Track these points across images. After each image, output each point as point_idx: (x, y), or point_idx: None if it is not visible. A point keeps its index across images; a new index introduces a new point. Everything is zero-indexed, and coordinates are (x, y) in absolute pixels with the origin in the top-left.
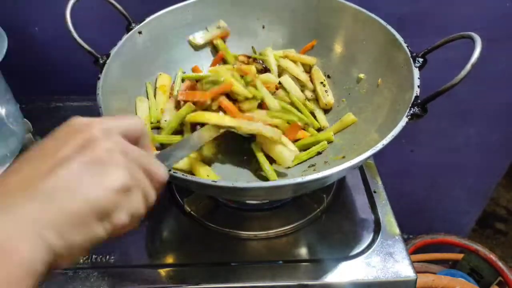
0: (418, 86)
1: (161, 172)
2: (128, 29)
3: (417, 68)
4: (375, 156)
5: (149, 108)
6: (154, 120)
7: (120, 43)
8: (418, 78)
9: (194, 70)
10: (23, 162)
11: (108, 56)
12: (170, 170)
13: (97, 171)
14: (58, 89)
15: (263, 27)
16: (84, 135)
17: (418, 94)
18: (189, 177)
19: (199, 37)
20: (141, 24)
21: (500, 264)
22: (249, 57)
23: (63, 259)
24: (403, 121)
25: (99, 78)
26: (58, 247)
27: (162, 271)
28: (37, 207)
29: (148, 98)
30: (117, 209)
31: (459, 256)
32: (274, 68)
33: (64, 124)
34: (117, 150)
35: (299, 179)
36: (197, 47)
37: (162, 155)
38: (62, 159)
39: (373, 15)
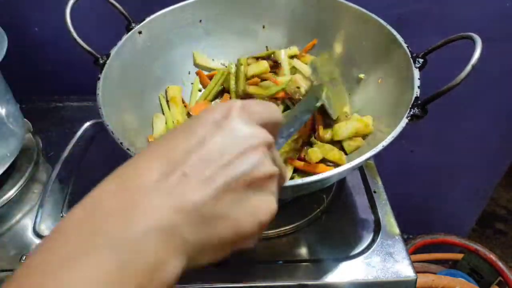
0: (418, 87)
1: (287, 177)
2: (128, 29)
3: (417, 69)
4: (375, 156)
5: (166, 122)
6: None
7: (120, 43)
8: (418, 78)
9: (199, 74)
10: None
11: (108, 56)
12: None
13: (254, 197)
14: (58, 89)
15: (263, 27)
16: (238, 148)
17: (418, 95)
18: None
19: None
20: (141, 24)
21: (500, 264)
22: (257, 58)
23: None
24: (403, 122)
25: (99, 78)
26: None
27: None
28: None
29: (163, 112)
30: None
31: (459, 256)
32: (286, 68)
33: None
34: (272, 168)
35: (299, 181)
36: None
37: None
38: (217, 169)
39: (373, 15)
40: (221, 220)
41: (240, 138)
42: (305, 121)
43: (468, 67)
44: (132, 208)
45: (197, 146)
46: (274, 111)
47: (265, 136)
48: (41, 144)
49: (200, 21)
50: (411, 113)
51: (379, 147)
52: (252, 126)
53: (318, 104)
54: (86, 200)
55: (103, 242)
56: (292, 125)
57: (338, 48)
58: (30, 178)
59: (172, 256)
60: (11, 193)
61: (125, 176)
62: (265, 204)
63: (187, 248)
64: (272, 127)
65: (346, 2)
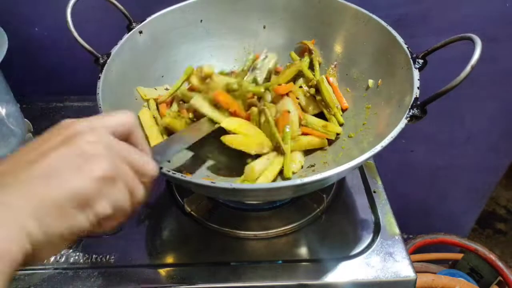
0: (418, 88)
1: (150, 167)
2: (129, 29)
3: (417, 70)
4: (375, 156)
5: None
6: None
7: (120, 42)
8: (418, 79)
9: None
10: (10, 157)
11: (108, 55)
12: (161, 168)
13: (79, 160)
14: (58, 89)
15: (264, 27)
16: (68, 131)
17: (417, 96)
18: (185, 177)
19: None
20: (142, 24)
21: (499, 263)
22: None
23: (43, 248)
24: (402, 122)
25: (99, 78)
26: (38, 235)
27: (162, 271)
28: (16, 195)
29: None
30: (99, 198)
31: (459, 256)
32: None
33: (54, 126)
34: (100, 143)
35: (298, 181)
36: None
37: (157, 150)
38: (44, 151)
39: (373, 16)
40: (46, 180)
41: (72, 137)
42: (178, 151)
43: (468, 68)
44: None
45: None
46: (121, 119)
47: (102, 136)
48: None
49: (201, 21)
50: (411, 113)
51: (377, 148)
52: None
53: (216, 126)
54: None
55: None
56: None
57: (338, 48)
58: None
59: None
60: None
61: None
62: (93, 164)
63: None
64: (127, 133)
65: (347, 3)
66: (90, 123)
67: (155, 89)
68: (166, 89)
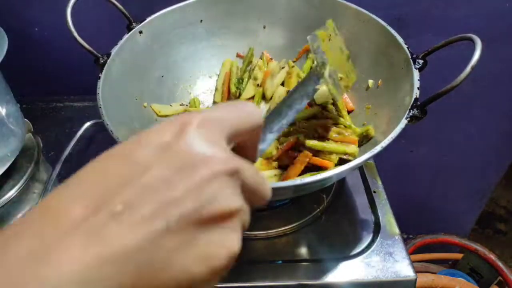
0: (418, 88)
1: (268, 193)
2: (129, 29)
3: (417, 70)
4: (375, 156)
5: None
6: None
7: (120, 42)
8: (418, 80)
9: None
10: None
11: (108, 55)
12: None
13: (206, 238)
14: (58, 89)
15: (264, 27)
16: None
17: (417, 96)
18: None
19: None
20: (142, 24)
21: (499, 263)
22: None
23: None
24: (403, 123)
25: (99, 78)
26: None
27: None
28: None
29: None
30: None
31: (459, 256)
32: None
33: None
34: (231, 208)
35: (298, 181)
36: None
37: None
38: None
39: (373, 16)
40: (162, 269)
41: (189, 166)
42: (301, 109)
43: (468, 69)
44: (45, 254)
45: (134, 177)
46: (248, 113)
47: (226, 160)
48: (41, 144)
49: (201, 21)
50: (411, 114)
51: (377, 148)
52: (211, 146)
53: (318, 86)
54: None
55: None
56: (284, 116)
57: None
58: (30, 178)
59: None
60: (11, 193)
61: (45, 212)
62: (220, 247)
63: None
64: (248, 135)
65: (346, 2)
66: (203, 127)
67: (170, 105)
68: (181, 104)
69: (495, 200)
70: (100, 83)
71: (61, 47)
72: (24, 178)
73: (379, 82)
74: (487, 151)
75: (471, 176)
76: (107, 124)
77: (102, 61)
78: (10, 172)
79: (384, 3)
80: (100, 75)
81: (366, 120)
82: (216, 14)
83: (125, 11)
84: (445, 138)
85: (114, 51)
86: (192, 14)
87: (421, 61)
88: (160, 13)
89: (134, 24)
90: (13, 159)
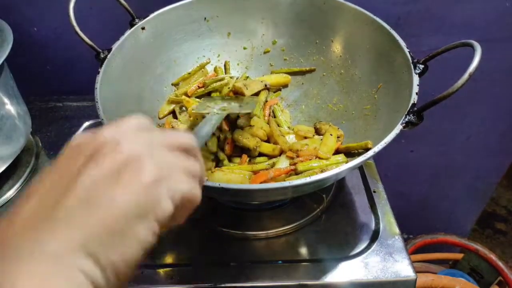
0: (416, 93)
1: (190, 139)
2: (131, 25)
3: (417, 75)
4: (375, 156)
5: None
6: None
7: (122, 38)
8: (418, 85)
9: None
10: (28, 198)
11: (109, 50)
12: None
13: (116, 172)
14: (58, 89)
15: (267, 27)
16: (90, 147)
17: (415, 102)
18: None
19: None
20: (145, 20)
21: (500, 263)
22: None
23: (120, 274)
24: (397, 128)
25: (98, 72)
26: (106, 268)
27: (162, 271)
28: (64, 236)
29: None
30: (155, 200)
31: (459, 256)
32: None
33: (70, 144)
34: (132, 131)
35: (298, 181)
36: None
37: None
38: (74, 174)
39: (375, 17)
40: (91, 207)
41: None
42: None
43: (465, 76)
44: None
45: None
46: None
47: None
48: (41, 144)
49: (205, 18)
50: (407, 119)
51: (370, 153)
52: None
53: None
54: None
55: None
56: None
57: (338, 49)
58: (29, 178)
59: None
60: (11, 193)
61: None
62: (134, 171)
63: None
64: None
65: (350, 4)
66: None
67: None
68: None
69: (495, 200)
70: (99, 78)
71: (61, 47)
72: (24, 178)
73: (379, 85)
74: (487, 151)
75: (472, 176)
76: (102, 119)
77: (102, 56)
78: (10, 172)
79: (384, 3)
80: (99, 69)
81: (364, 123)
82: (220, 12)
83: (128, 7)
84: (445, 138)
85: (115, 46)
86: (197, 11)
87: (421, 66)
88: (165, 9)
89: (137, 20)
90: (13, 159)
